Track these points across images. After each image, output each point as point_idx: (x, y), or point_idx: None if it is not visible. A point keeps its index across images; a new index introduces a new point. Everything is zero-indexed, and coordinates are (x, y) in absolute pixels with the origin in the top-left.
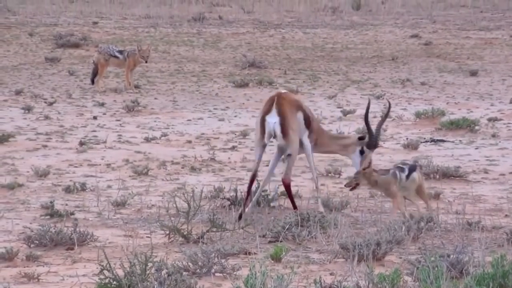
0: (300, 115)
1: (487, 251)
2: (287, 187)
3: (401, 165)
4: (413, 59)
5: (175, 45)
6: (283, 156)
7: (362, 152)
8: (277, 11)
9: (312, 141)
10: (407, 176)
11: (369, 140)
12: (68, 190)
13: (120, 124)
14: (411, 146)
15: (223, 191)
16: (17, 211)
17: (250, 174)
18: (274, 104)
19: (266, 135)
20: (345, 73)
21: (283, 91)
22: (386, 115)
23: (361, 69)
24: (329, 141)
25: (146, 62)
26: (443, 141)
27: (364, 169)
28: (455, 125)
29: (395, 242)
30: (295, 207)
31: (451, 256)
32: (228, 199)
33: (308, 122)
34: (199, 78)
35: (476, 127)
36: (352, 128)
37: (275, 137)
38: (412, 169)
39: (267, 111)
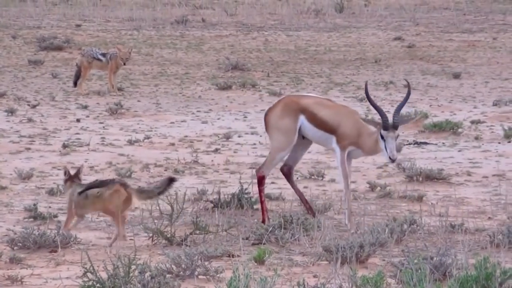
0: (301, 118)
1: (470, 254)
2: (258, 180)
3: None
4: (396, 61)
5: (158, 47)
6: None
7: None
8: (260, 13)
9: (347, 147)
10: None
11: (383, 121)
12: (51, 192)
13: (103, 127)
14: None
15: (206, 194)
16: (0, 213)
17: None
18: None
19: None
20: (328, 76)
21: (296, 94)
22: (407, 96)
23: (344, 72)
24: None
25: (124, 64)
26: (426, 143)
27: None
28: (438, 128)
29: (378, 245)
30: (263, 209)
31: (434, 258)
32: (211, 202)
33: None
34: (182, 80)
35: (459, 130)
36: None
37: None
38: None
39: None
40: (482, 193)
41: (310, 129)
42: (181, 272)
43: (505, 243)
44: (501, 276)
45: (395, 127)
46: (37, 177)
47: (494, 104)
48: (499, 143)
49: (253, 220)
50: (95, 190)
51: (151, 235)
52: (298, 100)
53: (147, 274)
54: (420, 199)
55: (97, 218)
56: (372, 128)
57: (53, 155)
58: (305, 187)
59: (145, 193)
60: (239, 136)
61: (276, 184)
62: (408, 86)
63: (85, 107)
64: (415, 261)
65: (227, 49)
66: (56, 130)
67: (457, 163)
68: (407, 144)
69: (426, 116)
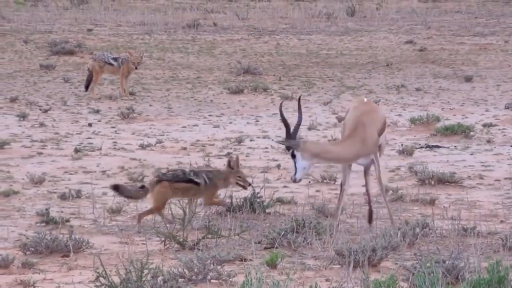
0: None
1: (482, 257)
2: None
3: None
4: (407, 65)
5: (170, 52)
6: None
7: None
8: (271, 17)
9: None
10: None
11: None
12: (63, 197)
13: (115, 131)
14: (406, 152)
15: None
16: (12, 218)
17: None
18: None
19: None
20: (340, 79)
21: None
22: (300, 117)
23: (356, 75)
24: None
25: (136, 68)
26: (438, 147)
27: None
28: (450, 131)
29: (391, 248)
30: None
31: (447, 262)
32: (224, 206)
33: None
34: (194, 85)
35: (471, 133)
36: None
37: None
38: None
39: None
40: (494, 196)
41: None
42: (194, 277)
43: None
44: None
45: (287, 148)
46: (49, 181)
47: (506, 107)
48: (511, 146)
49: (265, 224)
50: None
51: (163, 239)
52: None
53: (160, 278)
54: (432, 202)
55: (109, 223)
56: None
57: (65, 160)
58: (317, 191)
59: None
60: (251, 140)
61: (288, 188)
62: (299, 104)
63: (97, 111)
64: (428, 264)
65: (238, 53)
66: (68, 134)
67: (469, 166)
68: (419, 148)
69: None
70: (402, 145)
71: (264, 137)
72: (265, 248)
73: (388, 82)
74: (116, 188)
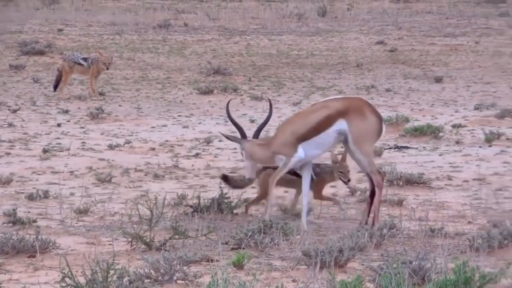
0: None
1: (449, 258)
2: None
3: None
4: (378, 65)
5: (140, 52)
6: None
7: None
8: (242, 18)
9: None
10: None
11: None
12: (31, 197)
13: (84, 131)
14: (375, 153)
15: (186, 199)
16: None
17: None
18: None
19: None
20: (310, 80)
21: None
22: (268, 117)
23: (326, 76)
24: None
25: (107, 69)
26: (407, 147)
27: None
28: (419, 132)
29: (358, 249)
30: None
31: (413, 262)
32: (191, 206)
33: None
34: (163, 85)
35: (440, 134)
36: None
37: None
38: None
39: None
40: (462, 197)
41: None
42: (160, 277)
43: (485, 247)
44: (480, 280)
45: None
46: (17, 182)
47: (476, 108)
48: (480, 147)
49: (232, 225)
50: None
51: (130, 240)
52: None
53: (126, 279)
54: (400, 203)
55: (76, 223)
56: None
57: (33, 160)
58: (285, 192)
59: None
60: (220, 141)
61: (256, 189)
62: (270, 105)
63: (66, 111)
64: (394, 265)
65: (209, 53)
66: (37, 135)
67: (438, 167)
68: (388, 148)
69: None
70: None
71: None
72: (232, 249)
73: (358, 83)
74: (225, 178)
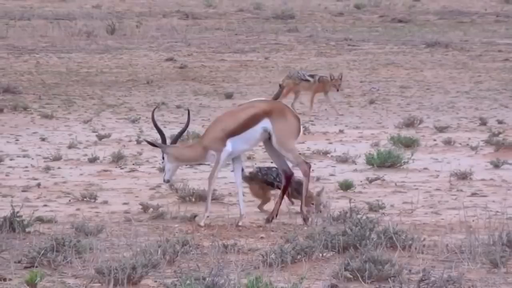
0: None
1: (243, 273)
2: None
3: None
4: (168, 82)
5: None
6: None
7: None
8: (31, 36)
9: None
10: None
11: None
12: None
13: None
14: None
15: None
16: None
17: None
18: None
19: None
20: (100, 98)
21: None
22: (186, 126)
23: (116, 93)
24: None
25: (337, 90)
26: (199, 164)
27: None
28: None
29: (151, 266)
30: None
31: (207, 279)
32: None
33: None
34: None
35: None
36: (107, 152)
37: None
38: None
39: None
40: (255, 213)
41: None
42: None
43: (278, 262)
44: None
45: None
46: None
47: None
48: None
49: (25, 243)
50: None
51: None
52: None
53: None
54: (193, 219)
55: None
56: None
57: None
58: (77, 209)
59: None
60: (11, 159)
61: (48, 207)
62: (188, 114)
63: None
64: (188, 281)
65: None
66: None
67: (230, 183)
68: None
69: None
70: (162, 162)
71: (24, 156)
72: (25, 267)
73: (148, 100)
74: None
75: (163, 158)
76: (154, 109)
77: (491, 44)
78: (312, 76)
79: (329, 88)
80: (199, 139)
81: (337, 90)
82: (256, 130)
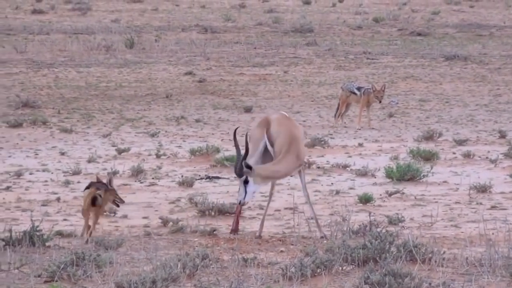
0: None
1: (262, 287)
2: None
3: None
4: (187, 96)
5: None
6: None
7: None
8: (50, 50)
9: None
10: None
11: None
12: None
13: None
14: (186, 183)
15: None
16: None
17: None
18: None
19: None
20: (119, 112)
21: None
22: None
23: (135, 107)
24: None
25: (380, 102)
26: (218, 177)
27: None
28: (230, 162)
29: (171, 280)
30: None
31: None
32: (3, 240)
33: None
34: None
35: None
36: (127, 166)
37: None
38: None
39: None
40: (275, 226)
41: None
42: None
43: (298, 275)
44: None
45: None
46: None
47: None
48: (292, 176)
49: (45, 257)
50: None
51: None
52: None
53: None
54: (212, 233)
55: None
56: None
57: None
58: (97, 224)
59: None
60: (30, 174)
61: (68, 221)
62: (234, 137)
63: None
64: None
65: (17, 86)
66: None
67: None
68: (199, 179)
69: (218, 150)
70: (182, 176)
71: (43, 170)
72: (45, 282)
73: (167, 114)
74: None
75: (246, 182)
76: (235, 129)
77: (510, 57)
78: (359, 88)
79: (372, 100)
80: (285, 152)
81: (379, 102)
82: None
